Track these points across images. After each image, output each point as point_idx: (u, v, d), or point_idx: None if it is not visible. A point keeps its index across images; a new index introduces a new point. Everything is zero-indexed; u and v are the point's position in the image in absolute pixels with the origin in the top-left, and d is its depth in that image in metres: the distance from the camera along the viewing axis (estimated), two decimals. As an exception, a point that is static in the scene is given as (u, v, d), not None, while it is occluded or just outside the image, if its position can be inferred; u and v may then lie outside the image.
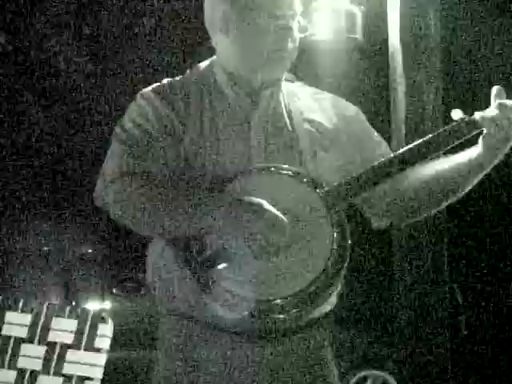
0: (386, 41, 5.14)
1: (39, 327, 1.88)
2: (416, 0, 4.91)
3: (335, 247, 1.79)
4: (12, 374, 1.85)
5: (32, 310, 1.89)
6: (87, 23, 9.40)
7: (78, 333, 1.86)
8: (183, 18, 8.89)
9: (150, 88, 1.97)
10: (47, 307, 1.89)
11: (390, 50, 5.03)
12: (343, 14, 5.28)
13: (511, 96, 1.91)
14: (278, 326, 1.82)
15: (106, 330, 1.87)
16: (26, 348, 1.87)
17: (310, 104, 2.01)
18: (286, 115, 1.96)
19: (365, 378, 6.02)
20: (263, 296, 1.75)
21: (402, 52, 4.90)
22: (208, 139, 1.90)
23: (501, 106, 1.85)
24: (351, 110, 2.05)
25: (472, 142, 1.91)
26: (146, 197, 1.80)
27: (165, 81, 1.99)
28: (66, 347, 1.86)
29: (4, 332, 1.88)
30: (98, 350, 1.86)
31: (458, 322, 6.81)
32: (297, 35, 1.94)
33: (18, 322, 1.88)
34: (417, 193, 1.97)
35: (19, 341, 1.87)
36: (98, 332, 1.86)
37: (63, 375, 1.84)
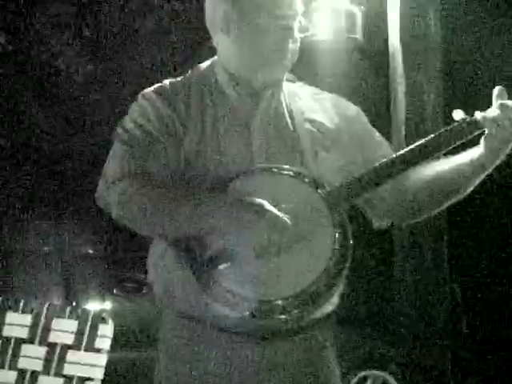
0: (386, 41, 5.15)
1: (40, 328, 1.88)
2: (416, 0, 4.92)
3: (337, 247, 1.79)
4: (12, 375, 1.85)
5: (32, 310, 1.90)
6: (87, 23, 9.40)
7: (79, 333, 1.86)
8: (184, 18, 8.89)
9: (151, 89, 1.97)
10: (48, 308, 1.89)
11: (390, 50, 5.04)
12: (343, 13, 5.28)
13: (513, 96, 1.91)
14: (279, 326, 1.82)
15: (107, 330, 1.87)
16: (26, 348, 1.87)
17: (311, 104, 2.01)
18: (287, 115, 1.96)
19: (365, 378, 6.02)
20: (264, 296, 1.75)
21: (402, 52, 4.92)
22: (209, 139, 1.90)
23: (502, 107, 1.85)
24: (352, 109, 2.05)
25: (474, 143, 1.91)
26: (147, 197, 1.81)
27: (166, 81, 1.99)
28: (66, 348, 1.86)
29: (5, 333, 1.88)
30: (99, 351, 1.86)
31: (458, 322, 6.81)
32: (298, 35, 1.94)
33: (18, 323, 1.89)
34: (418, 193, 1.97)
35: (20, 341, 1.87)
36: (99, 332, 1.87)
37: (64, 376, 1.84)
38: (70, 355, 1.85)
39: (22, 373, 1.85)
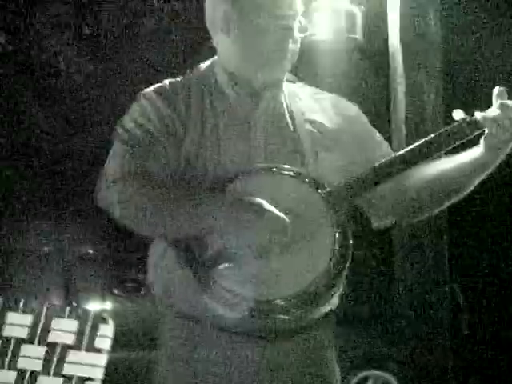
0: (386, 41, 5.14)
1: (40, 328, 1.88)
2: (416, 0, 4.91)
3: (337, 247, 1.79)
4: (12, 375, 1.85)
5: (32, 310, 1.89)
6: (87, 23, 9.40)
7: (79, 333, 1.86)
8: (184, 17, 8.89)
9: (151, 88, 1.97)
10: (48, 308, 1.89)
11: (390, 50, 5.04)
12: (343, 14, 5.28)
13: (513, 96, 1.91)
14: (279, 326, 1.82)
15: (107, 330, 1.87)
16: (26, 349, 1.87)
17: (311, 104, 2.01)
18: (287, 116, 1.96)
19: (366, 379, 6.02)
20: (265, 296, 1.75)
21: (402, 52, 4.91)
22: (209, 139, 1.89)
23: (502, 107, 1.85)
24: (352, 110, 2.05)
25: (474, 143, 1.91)
26: (147, 197, 1.80)
27: (166, 81, 1.99)
28: (66, 348, 1.86)
29: (4, 332, 1.88)
30: (99, 351, 1.86)
31: (459, 322, 6.81)
32: (298, 36, 1.94)
33: (18, 323, 1.89)
34: (419, 193, 1.97)
35: (19, 341, 1.87)
36: (99, 332, 1.87)
37: (63, 376, 1.84)
38: (71, 355, 1.85)
39: (21, 373, 1.85)
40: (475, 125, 1.87)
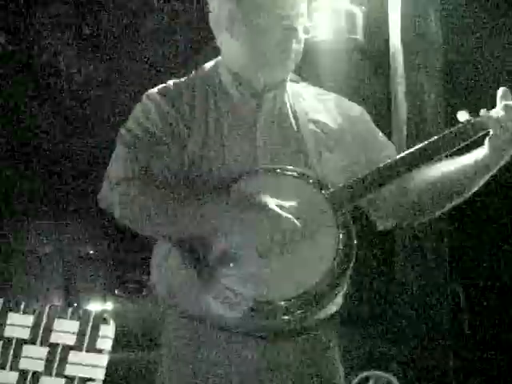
0: (386, 41, 5.14)
1: (41, 328, 1.87)
2: (417, 0, 4.91)
3: (341, 248, 1.79)
4: (14, 376, 1.85)
5: (34, 311, 1.89)
6: (87, 23, 9.39)
7: (80, 334, 1.86)
8: (184, 18, 8.88)
9: (155, 89, 1.97)
10: (49, 309, 1.89)
11: (391, 50, 5.04)
12: (343, 14, 5.27)
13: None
14: (282, 327, 1.81)
15: (108, 331, 1.87)
16: (28, 349, 1.86)
17: (314, 105, 2.00)
18: (291, 116, 1.96)
19: (367, 379, 6.01)
20: (267, 297, 1.74)
21: (402, 52, 4.91)
22: (213, 140, 1.89)
23: (506, 108, 1.85)
24: (356, 110, 2.05)
25: (478, 144, 1.90)
26: (151, 198, 1.80)
27: (170, 82, 1.99)
28: (67, 348, 1.85)
29: (6, 333, 1.88)
30: (100, 351, 1.85)
31: (459, 323, 6.80)
32: (302, 36, 1.94)
33: (20, 324, 1.88)
34: (422, 194, 1.97)
35: (21, 342, 1.87)
36: (100, 333, 1.86)
37: (65, 376, 1.84)
38: (72, 356, 1.85)
39: (23, 373, 1.85)
40: (479, 126, 1.87)
